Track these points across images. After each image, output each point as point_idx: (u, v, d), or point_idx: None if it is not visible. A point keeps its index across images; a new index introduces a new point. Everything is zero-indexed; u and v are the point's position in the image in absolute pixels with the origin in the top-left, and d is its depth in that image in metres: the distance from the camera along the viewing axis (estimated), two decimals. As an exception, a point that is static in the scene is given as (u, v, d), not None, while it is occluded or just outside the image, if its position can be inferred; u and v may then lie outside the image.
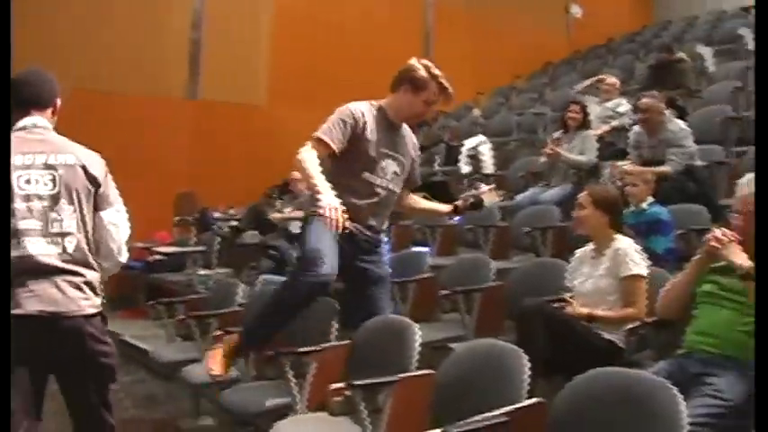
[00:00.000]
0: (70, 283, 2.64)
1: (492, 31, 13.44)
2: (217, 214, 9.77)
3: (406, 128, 3.87)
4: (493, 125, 10.52)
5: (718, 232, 2.97)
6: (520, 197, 6.82)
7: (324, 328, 3.93)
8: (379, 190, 3.72)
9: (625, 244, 3.59)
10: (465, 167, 8.87)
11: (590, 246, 3.75)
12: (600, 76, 8.75)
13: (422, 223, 6.93)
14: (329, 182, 3.42)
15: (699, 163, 5.70)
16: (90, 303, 2.68)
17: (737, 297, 2.95)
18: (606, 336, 3.42)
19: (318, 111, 3.87)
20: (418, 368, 3.26)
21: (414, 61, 3.69)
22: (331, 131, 3.58)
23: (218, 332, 4.49)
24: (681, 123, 5.78)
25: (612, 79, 8.49)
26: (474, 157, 8.92)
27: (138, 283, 8.48)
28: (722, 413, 2.64)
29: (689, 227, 4.60)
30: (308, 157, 3.49)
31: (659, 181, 5.08)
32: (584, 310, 3.48)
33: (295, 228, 7.68)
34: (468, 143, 9.08)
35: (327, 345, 3.72)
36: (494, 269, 4.86)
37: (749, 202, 2.97)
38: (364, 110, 3.68)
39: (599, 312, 3.48)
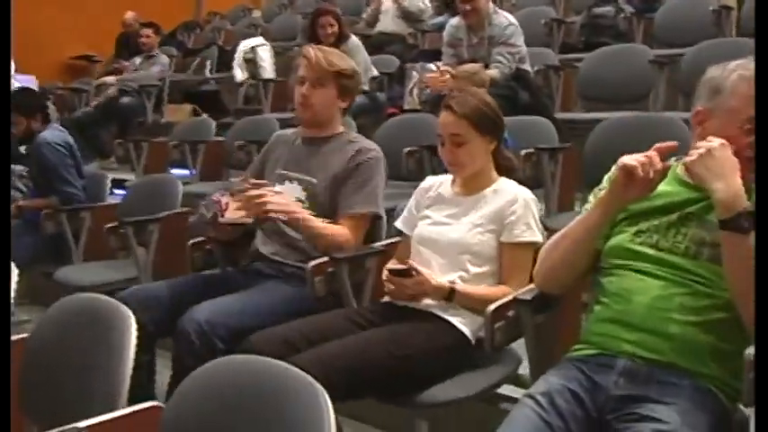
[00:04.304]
0: None
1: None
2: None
3: (340, 141, 2.71)
4: (274, 28, 9.08)
5: (712, 143, 1.68)
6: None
7: None
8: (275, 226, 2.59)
9: (524, 193, 2.29)
10: (240, 73, 7.35)
11: (446, 178, 2.46)
12: None
13: (180, 138, 5.40)
14: None
15: (528, 67, 4.58)
16: None
17: (684, 262, 1.75)
18: (454, 322, 2.18)
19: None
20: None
21: None
22: None
23: None
24: (509, 17, 4.59)
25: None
26: (251, 62, 7.42)
27: None
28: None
29: (536, 145, 3.43)
30: None
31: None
32: (444, 283, 2.18)
33: None
34: (245, 44, 7.55)
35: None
36: (180, 192, 3.81)
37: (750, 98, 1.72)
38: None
39: (473, 289, 2.20)
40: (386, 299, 2.31)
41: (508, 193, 2.28)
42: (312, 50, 2.72)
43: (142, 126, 7.11)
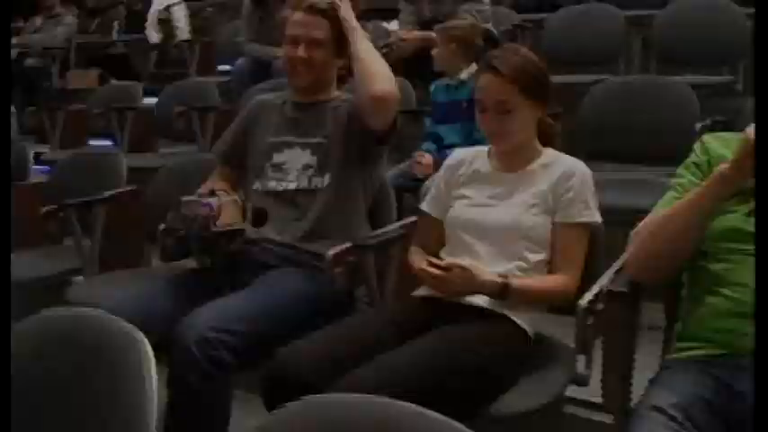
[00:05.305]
0: None
1: None
2: None
3: (341, 99, 2.36)
4: (184, -13, 8.47)
5: None
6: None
7: None
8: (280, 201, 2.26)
9: (580, 167, 1.97)
10: (154, 35, 6.80)
11: (477, 150, 2.10)
12: None
13: (102, 105, 4.86)
14: None
15: (492, 28, 4.27)
16: None
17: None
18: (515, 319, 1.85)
19: None
20: None
21: None
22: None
23: None
24: (474, -30, 4.26)
25: None
26: (165, 22, 6.88)
27: None
28: None
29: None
30: None
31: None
32: (496, 279, 1.83)
33: None
34: (158, 4, 6.99)
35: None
36: (125, 168, 3.27)
37: None
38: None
39: (530, 283, 1.87)
40: (420, 292, 1.97)
41: (561, 167, 1.97)
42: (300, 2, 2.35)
43: (48, 93, 6.48)
